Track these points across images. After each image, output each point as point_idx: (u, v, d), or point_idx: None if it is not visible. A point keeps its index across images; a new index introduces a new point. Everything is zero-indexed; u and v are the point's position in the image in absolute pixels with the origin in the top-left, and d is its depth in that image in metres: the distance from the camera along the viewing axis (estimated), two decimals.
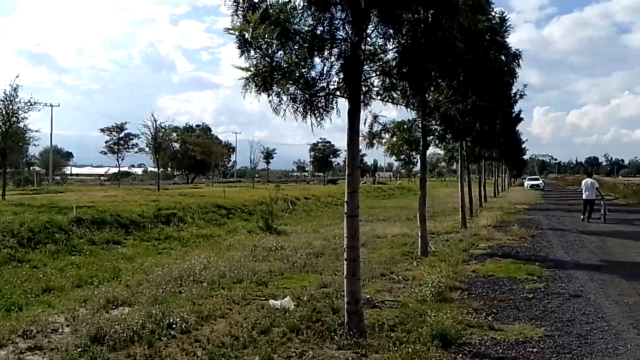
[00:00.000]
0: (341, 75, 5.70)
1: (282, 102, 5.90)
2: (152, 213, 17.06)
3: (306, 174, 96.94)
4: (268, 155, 62.09)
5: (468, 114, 13.22)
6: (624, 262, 11.08)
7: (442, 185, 65.92)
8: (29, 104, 20.01)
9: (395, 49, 6.04)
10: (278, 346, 5.64)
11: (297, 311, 6.85)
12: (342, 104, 5.99)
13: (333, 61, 5.69)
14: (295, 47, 5.54)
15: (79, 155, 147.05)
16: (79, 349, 5.53)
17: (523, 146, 55.56)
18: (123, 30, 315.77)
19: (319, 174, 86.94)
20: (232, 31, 5.44)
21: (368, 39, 5.93)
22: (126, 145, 49.91)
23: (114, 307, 7.46)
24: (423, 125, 12.48)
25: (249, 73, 5.66)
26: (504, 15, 12.77)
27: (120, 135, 49.87)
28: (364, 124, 12.25)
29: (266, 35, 5.28)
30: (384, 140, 13.58)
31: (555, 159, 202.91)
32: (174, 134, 62.90)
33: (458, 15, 5.57)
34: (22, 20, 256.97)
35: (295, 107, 5.88)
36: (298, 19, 5.40)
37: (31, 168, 66.28)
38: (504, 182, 57.61)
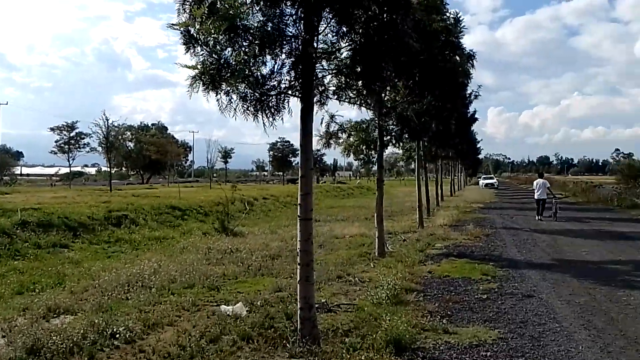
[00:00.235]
0: (292, 74, 5.51)
1: (231, 101, 5.67)
2: (102, 215, 16.48)
3: (266, 173, 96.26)
4: (226, 154, 61.29)
5: (424, 114, 13.25)
6: (574, 260, 11.31)
7: (401, 184, 66.67)
8: None
9: (348, 47, 5.88)
10: (227, 356, 5.42)
11: (249, 317, 6.64)
12: (296, 103, 5.81)
13: (284, 59, 5.50)
14: (245, 43, 5.31)
15: (30, 155, 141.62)
16: None
17: (478, 146, 56.91)
18: (75, 27, 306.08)
19: (279, 173, 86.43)
20: (176, 26, 5.16)
21: (321, 36, 5.76)
22: (77, 145, 48.03)
23: (55, 315, 7.09)
24: (380, 125, 12.43)
25: (196, 71, 5.40)
26: (458, 15, 12.83)
27: (71, 135, 47.92)
28: (321, 123, 12.20)
29: (213, 31, 5.04)
30: (340, 140, 13.41)
31: (509, 158, 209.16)
32: (128, 133, 61.32)
33: (411, 14, 5.47)
34: None
35: (245, 106, 5.65)
36: (247, 15, 5.17)
37: None
38: (460, 181, 58.80)
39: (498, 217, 22.45)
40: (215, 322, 6.52)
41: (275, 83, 5.62)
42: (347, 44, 5.79)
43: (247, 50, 5.29)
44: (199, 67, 5.41)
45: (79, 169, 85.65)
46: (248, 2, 5.14)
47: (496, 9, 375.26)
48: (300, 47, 5.36)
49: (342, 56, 6.11)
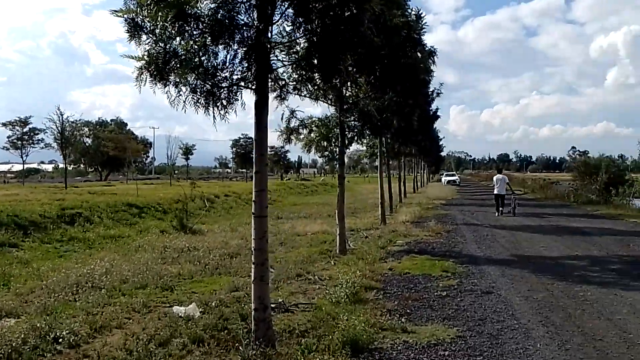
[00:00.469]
0: (245, 64, 5.26)
1: (181, 93, 5.38)
2: (55, 213, 15.78)
3: (229, 170, 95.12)
4: (187, 151, 59.91)
5: (385, 110, 13.14)
6: (533, 256, 11.43)
7: (365, 181, 67.02)
8: None
9: (305, 39, 5.67)
10: None
11: (202, 319, 6.38)
12: (251, 96, 5.56)
13: (237, 49, 5.24)
14: (195, 32, 5.04)
15: None
16: None
17: (441, 143, 57.44)
18: (31, 19, 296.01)
19: (242, 170, 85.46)
20: (119, 13, 4.85)
21: (276, 27, 5.54)
22: (31, 141, 46.18)
23: None
24: (341, 121, 12.26)
25: (142, 62, 5.09)
26: (420, 12, 12.85)
27: (24, 130, 46.03)
28: (282, 119, 11.97)
29: (160, 19, 4.74)
30: (301, 136, 13.19)
31: (471, 156, 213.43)
32: (86, 129, 59.45)
33: (369, 5, 5.28)
34: None
35: (195, 98, 5.38)
36: (197, 1, 4.89)
37: None
38: (423, 178, 59.40)
39: (459, 213, 22.68)
40: (166, 324, 6.25)
41: (227, 74, 5.37)
42: (303, 34, 5.57)
43: (196, 39, 5.02)
44: (145, 57, 5.11)
45: (35, 165, 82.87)
46: None
47: (458, 8, 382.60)
48: (254, 36, 5.11)
49: (300, 47, 5.91)
